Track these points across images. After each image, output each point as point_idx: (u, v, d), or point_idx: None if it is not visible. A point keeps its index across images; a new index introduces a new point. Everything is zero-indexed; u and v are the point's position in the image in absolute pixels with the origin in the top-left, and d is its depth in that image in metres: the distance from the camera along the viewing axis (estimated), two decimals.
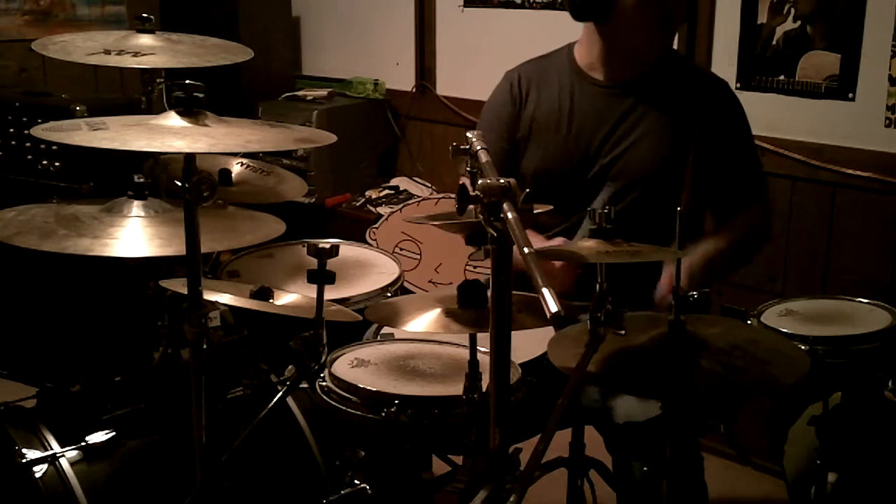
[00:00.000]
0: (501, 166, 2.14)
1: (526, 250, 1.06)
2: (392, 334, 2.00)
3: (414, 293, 2.57)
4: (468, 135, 1.30)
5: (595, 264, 1.40)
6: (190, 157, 1.30)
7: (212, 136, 1.31)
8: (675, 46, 2.29)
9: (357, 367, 1.77)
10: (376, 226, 3.31)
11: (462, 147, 1.29)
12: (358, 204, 3.58)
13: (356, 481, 1.73)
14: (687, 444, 1.85)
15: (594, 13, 2.02)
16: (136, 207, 1.57)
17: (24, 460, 1.59)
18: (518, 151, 2.18)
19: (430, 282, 3.24)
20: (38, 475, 1.59)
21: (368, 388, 1.65)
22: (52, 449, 1.62)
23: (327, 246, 1.52)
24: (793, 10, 2.64)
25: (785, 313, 2.01)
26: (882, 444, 2.06)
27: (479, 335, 1.48)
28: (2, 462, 1.64)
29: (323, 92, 3.75)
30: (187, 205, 1.32)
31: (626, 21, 1.99)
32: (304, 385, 1.81)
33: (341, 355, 1.82)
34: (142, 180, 1.59)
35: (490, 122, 2.21)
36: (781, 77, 2.69)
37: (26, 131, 3.08)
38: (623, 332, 1.40)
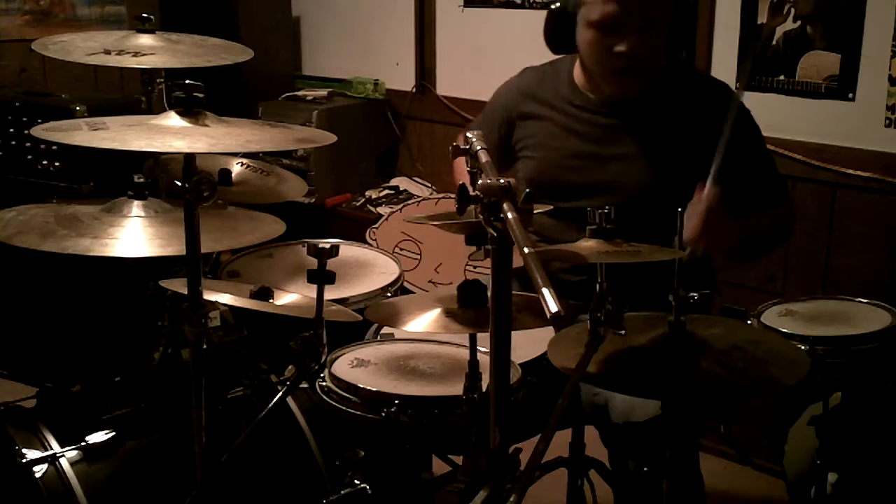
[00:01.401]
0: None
1: (526, 250, 1.06)
2: (392, 334, 2.00)
3: (414, 293, 2.57)
4: (468, 135, 1.30)
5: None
6: (190, 157, 1.30)
7: (212, 136, 1.32)
8: None
9: (357, 367, 1.77)
10: (376, 226, 3.31)
11: (462, 147, 1.29)
12: (358, 204, 3.58)
13: (356, 481, 1.73)
14: (685, 441, 1.85)
15: (565, 47, 2.04)
16: (136, 207, 1.57)
17: (24, 460, 1.59)
18: (507, 147, 2.19)
19: (430, 282, 3.24)
20: (38, 475, 1.59)
21: (368, 388, 1.65)
22: (52, 449, 1.62)
23: (327, 246, 1.52)
24: (793, 10, 2.64)
25: (785, 313, 2.01)
26: (882, 444, 2.07)
27: (479, 335, 1.48)
28: (2, 462, 1.64)
29: (323, 92, 3.75)
30: (187, 205, 1.32)
31: (584, 60, 2.01)
32: (304, 385, 1.81)
33: (341, 355, 1.82)
34: (142, 180, 1.60)
35: (492, 109, 2.24)
36: (781, 77, 2.69)
37: (26, 131, 3.08)
38: (623, 332, 1.40)
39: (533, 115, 2.15)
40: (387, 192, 3.63)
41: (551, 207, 1.92)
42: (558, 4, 2.00)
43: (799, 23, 2.63)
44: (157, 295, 1.76)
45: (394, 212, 3.37)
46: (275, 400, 1.53)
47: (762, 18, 2.70)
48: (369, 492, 1.72)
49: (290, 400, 1.83)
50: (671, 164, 2.00)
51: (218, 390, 1.78)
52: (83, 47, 1.69)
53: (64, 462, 1.61)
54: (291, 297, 1.78)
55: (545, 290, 1.03)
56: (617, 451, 1.91)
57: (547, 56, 2.22)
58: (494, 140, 2.17)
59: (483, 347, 1.42)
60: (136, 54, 1.67)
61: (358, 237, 3.15)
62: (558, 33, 2.02)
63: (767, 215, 2.06)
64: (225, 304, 1.65)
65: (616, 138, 2.05)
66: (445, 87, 3.63)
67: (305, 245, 1.76)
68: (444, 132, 3.62)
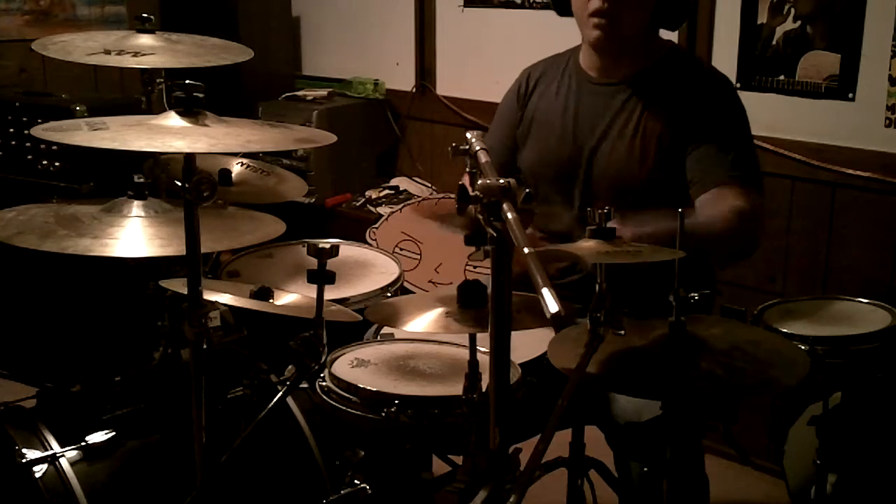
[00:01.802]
0: (502, 162, 2.17)
1: (526, 250, 1.06)
2: (392, 334, 2.00)
3: (414, 293, 2.57)
4: (468, 135, 1.30)
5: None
6: (190, 157, 1.30)
7: (212, 136, 1.32)
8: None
9: (357, 367, 1.77)
10: (376, 226, 3.31)
11: (462, 147, 1.29)
12: (358, 204, 3.58)
13: (356, 481, 1.73)
14: (687, 441, 1.84)
15: (569, 8, 2.06)
16: (136, 207, 1.57)
17: (24, 460, 1.59)
18: (517, 146, 2.21)
19: (430, 282, 3.24)
20: (38, 475, 1.59)
21: (368, 388, 1.65)
22: (52, 449, 1.62)
23: (327, 246, 1.52)
24: (793, 10, 2.64)
25: (785, 313, 2.01)
26: (882, 444, 2.06)
27: (479, 335, 1.48)
28: (2, 462, 1.64)
29: (323, 92, 3.75)
30: (187, 205, 1.32)
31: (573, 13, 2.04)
32: (304, 385, 1.81)
33: (341, 355, 1.82)
34: (142, 180, 1.60)
35: (498, 119, 2.27)
36: (781, 77, 2.69)
37: (26, 131, 3.08)
38: (623, 332, 1.40)
39: (539, 97, 2.18)
40: (387, 192, 3.63)
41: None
42: None
43: (799, 23, 2.63)
44: (157, 295, 1.76)
45: (394, 212, 3.36)
46: (275, 400, 1.53)
47: (762, 18, 2.70)
48: (369, 492, 1.72)
49: (290, 400, 1.83)
50: (667, 149, 2.00)
51: (218, 390, 1.78)
52: (83, 47, 1.69)
53: (64, 462, 1.61)
54: (291, 297, 1.78)
55: (545, 290, 1.03)
56: (621, 452, 1.91)
57: (545, 56, 2.23)
58: (503, 149, 2.20)
59: (483, 347, 1.43)
60: (136, 54, 1.66)
61: (358, 237, 3.15)
62: None
63: (721, 201, 1.90)
64: (225, 304, 1.65)
65: (615, 117, 2.06)
66: (445, 87, 3.63)
67: (305, 245, 1.76)
68: (444, 132, 3.62)
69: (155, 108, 1.94)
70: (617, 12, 1.96)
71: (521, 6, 3.31)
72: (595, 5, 1.95)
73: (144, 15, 1.77)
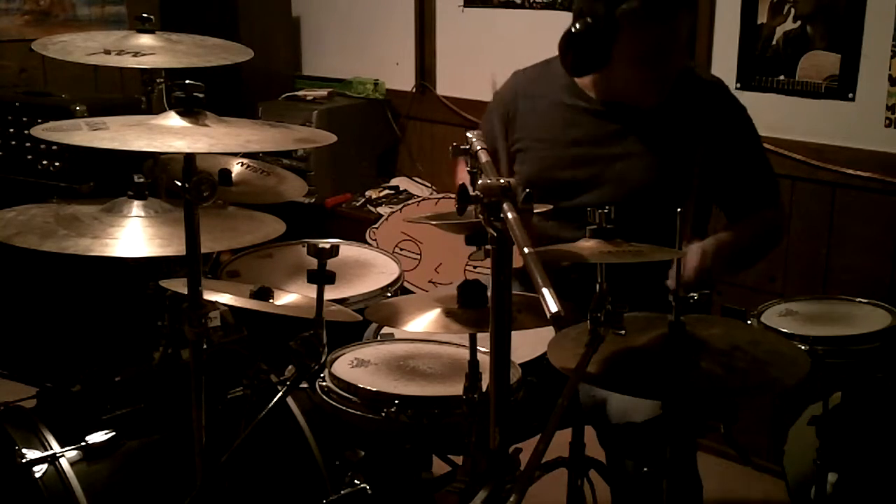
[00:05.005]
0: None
1: (526, 250, 1.06)
2: (392, 334, 2.00)
3: (414, 293, 2.57)
4: (468, 135, 1.30)
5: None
6: (190, 157, 1.30)
7: (212, 136, 1.32)
8: None
9: (357, 367, 1.77)
10: (376, 226, 3.31)
11: (462, 147, 1.29)
12: (358, 204, 3.58)
13: (356, 481, 1.73)
14: (684, 442, 1.84)
15: (593, 68, 1.99)
16: (136, 207, 1.57)
17: (24, 460, 1.59)
18: (511, 161, 2.18)
19: (430, 282, 3.24)
20: (38, 475, 1.59)
21: (368, 388, 1.65)
22: (52, 449, 1.62)
23: (327, 246, 1.52)
24: (793, 10, 2.64)
25: (785, 313, 2.01)
26: (882, 444, 2.06)
27: (479, 335, 1.48)
28: (2, 462, 1.64)
29: (323, 92, 3.75)
30: (187, 205, 1.32)
31: (623, 73, 1.99)
32: (304, 385, 1.81)
33: (341, 355, 1.82)
34: (142, 180, 1.60)
35: (486, 131, 2.22)
36: (781, 77, 2.69)
37: (26, 131, 3.08)
38: (623, 332, 1.40)
39: (528, 114, 2.15)
40: (387, 192, 3.63)
41: (551, 207, 1.92)
42: (580, 27, 1.92)
43: (799, 23, 2.63)
44: (157, 295, 1.76)
45: (394, 212, 3.37)
46: (275, 400, 1.53)
47: (762, 18, 2.70)
48: (369, 492, 1.72)
49: (290, 400, 1.83)
50: (670, 162, 2.01)
51: (218, 390, 1.78)
52: (83, 47, 1.69)
53: (64, 462, 1.61)
54: (291, 297, 1.78)
55: (545, 290, 1.03)
56: (614, 451, 1.91)
57: (546, 56, 2.23)
58: (502, 148, 2.18)
59: (483, 347, 1.43)
60: (136, 54, 1.66)
61: (358, 237, 3.15)
62: (585, 56, 1.95)
63: (754, 226, 2.09)
64: (225, 304, 1.65)
65: (617, 137, 2.05)
66: (445, 87, 3.62)
67: (305, 245, 1.76)
68: (444, 132, 3.62)
69: (155, 108, 1.94)
70: (676, 70, 2.02)
71: (521, 6, 3.31)
72: (660, 78, 1.97)
73: (144, 15, 1.76)
